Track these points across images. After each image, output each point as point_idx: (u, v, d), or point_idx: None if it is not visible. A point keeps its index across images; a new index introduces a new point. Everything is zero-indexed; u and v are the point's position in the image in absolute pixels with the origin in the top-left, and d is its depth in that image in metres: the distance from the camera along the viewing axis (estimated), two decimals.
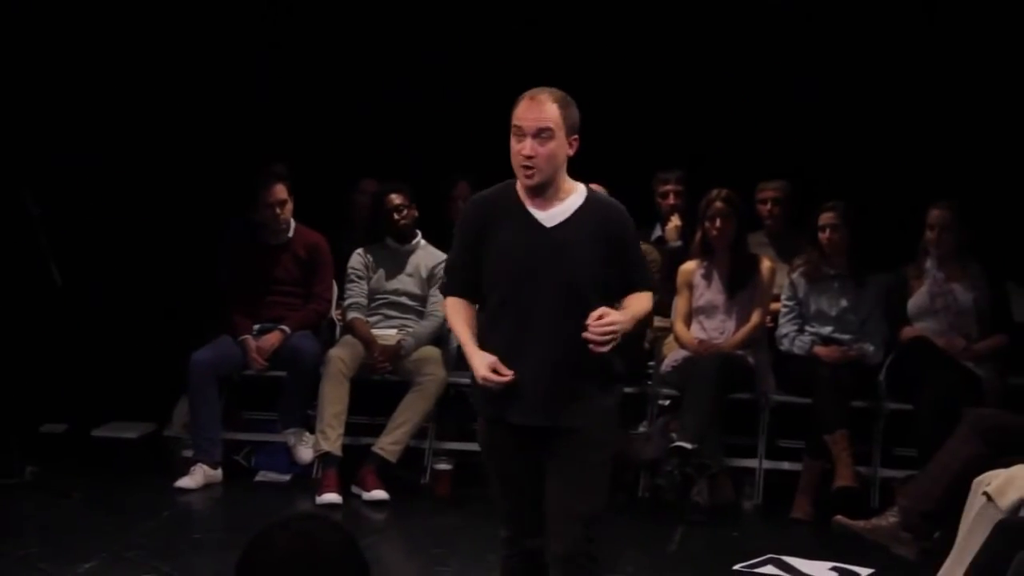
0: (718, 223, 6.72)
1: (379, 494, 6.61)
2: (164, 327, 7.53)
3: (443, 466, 6.91)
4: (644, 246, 6.99)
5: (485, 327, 3.96)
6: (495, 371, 3.82)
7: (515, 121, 3.89)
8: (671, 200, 7.51)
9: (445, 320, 7.03)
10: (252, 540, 2.32)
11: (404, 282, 7.13)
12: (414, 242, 7.18)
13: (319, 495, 6.53)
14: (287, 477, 7.07)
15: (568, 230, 3.91)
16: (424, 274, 7.13)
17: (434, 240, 7.22)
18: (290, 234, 7.14)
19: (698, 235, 6.85)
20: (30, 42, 7.99)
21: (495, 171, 8.17)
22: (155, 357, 7.40)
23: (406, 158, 7.90)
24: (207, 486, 6.78)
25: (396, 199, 7.10)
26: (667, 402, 6.86)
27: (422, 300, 7.11)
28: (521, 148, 3.87)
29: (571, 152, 3.95)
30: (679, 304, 6.90)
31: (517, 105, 3.91)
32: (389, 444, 6.73)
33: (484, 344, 3.92)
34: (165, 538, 5.84)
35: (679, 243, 7.31)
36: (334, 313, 7.40)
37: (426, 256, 7.17)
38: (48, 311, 7.18)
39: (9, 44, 7.86)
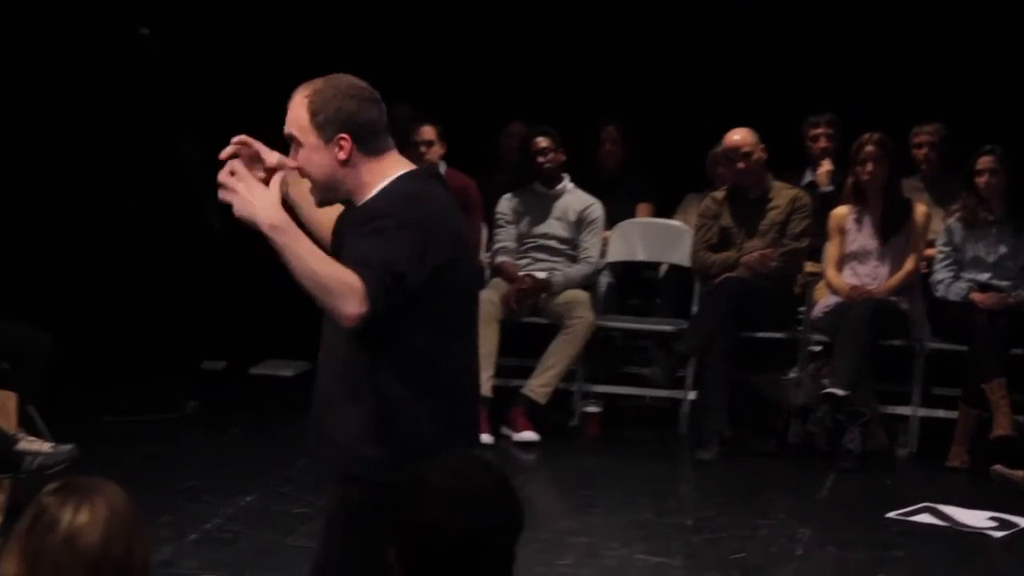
0: (870, 167, 6.62)
1: (529, 435, 6.69)
2: None
3: (592, 408, 6.96)
4: (796, 191, 6.97)
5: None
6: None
7: None
8: (822, 144, 7.42)
9: (596, 265, 7.17)
10: (406, 479, 2.38)
11: (552, 226, 7.16)
12: (560, 186, 7.19)
13: None
14: None
15: None
16: (572, 218, 7.15)
17: (582, 184, 7.24)
18: None
19: (850, 180, 6.75)
20: None
21: (643, 115, 8.17)
22: (310, 298, 7.53)
23: (555, 102, 7.91)
24: None
25: (542, 142, 7.12)
26: (818, 348, 6.79)
27: (571, 244, 7.14)
28: None
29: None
30: (830, 249, 6.82)
31: None
32: (539, 386, 6.79)
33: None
34: (319, 475, 5.97)
35: (830, 188, 7.22)
36: (483, 256, 7.46)
37: (574, 200, 7.19)
38: (207, 254, 7.36)
39: None
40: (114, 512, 2.20)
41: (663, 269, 7.63)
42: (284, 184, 3.08)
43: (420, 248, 2.93)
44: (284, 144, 3.12)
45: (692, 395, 6.87)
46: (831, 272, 6.78)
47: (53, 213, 7.42)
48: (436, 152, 7.15)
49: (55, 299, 7.02)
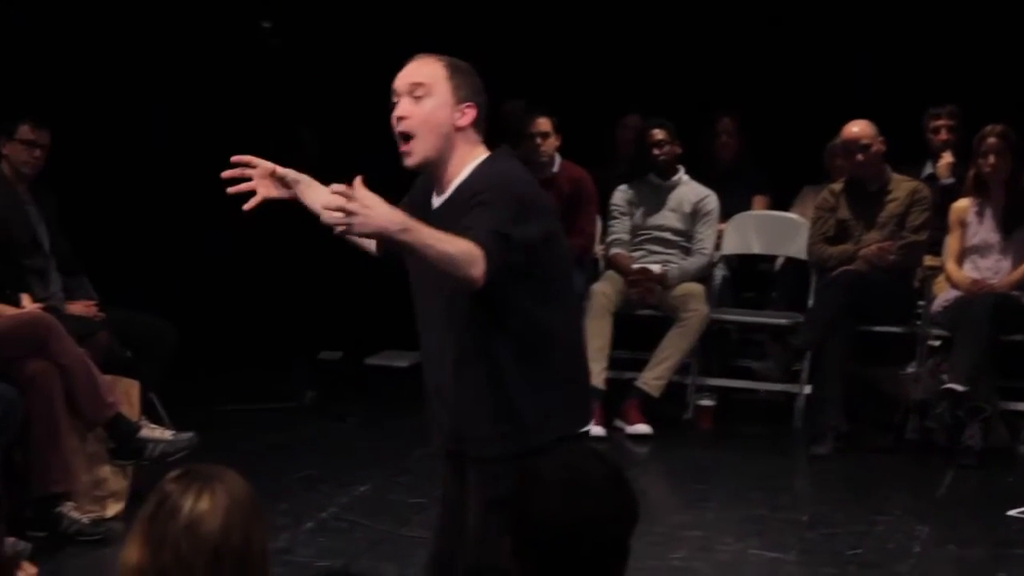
0: (992, 159, 6.50)
1: (642, 428, 6.68)
2: None
3: (706, 402, 6.93)
4: (915, 183, 6.87)
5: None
6: None
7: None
8: (943, 136, 7.30)
9: (711, 258, 7.14)
10: (521, 471, 2.40)
11: (667, 217, 7.13)
12: (676, 177, 7.17)
13: None
14: None
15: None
16: (687, 210, 7.12)
17: (698, 176, 7.20)
18: (555, 169, 7.21)
19: (971, 172, 6.64)
20: None
21: (759, 107, 8.11)
22: None
23: (671, 94, 7.88)
24: None
25: (658, 134, 7.11)
26: (938, 343, 6.69)
27: (686, 236, 7.11)
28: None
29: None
30: (951, 243, 6.71)
31: None
32: (652, 379, 6.78)
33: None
34: (435, 465, 6.02)
35: (951, 180, 7.10)
36: (597, 248, 7.46)
37: (689, 192, 7.16)
38: (324, 246, 7.45)
39: None
40: (234, 500, 2.23)
41: (779, 262, 7.57)
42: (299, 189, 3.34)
43: (519, 214, 3.03)
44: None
45: (807, 389, 6.81)
46: (951, 266, 6.67)
47: (176, 205, 7.57)
48: (551, 144, 7.15)
49: (178, 290, 7.16)
